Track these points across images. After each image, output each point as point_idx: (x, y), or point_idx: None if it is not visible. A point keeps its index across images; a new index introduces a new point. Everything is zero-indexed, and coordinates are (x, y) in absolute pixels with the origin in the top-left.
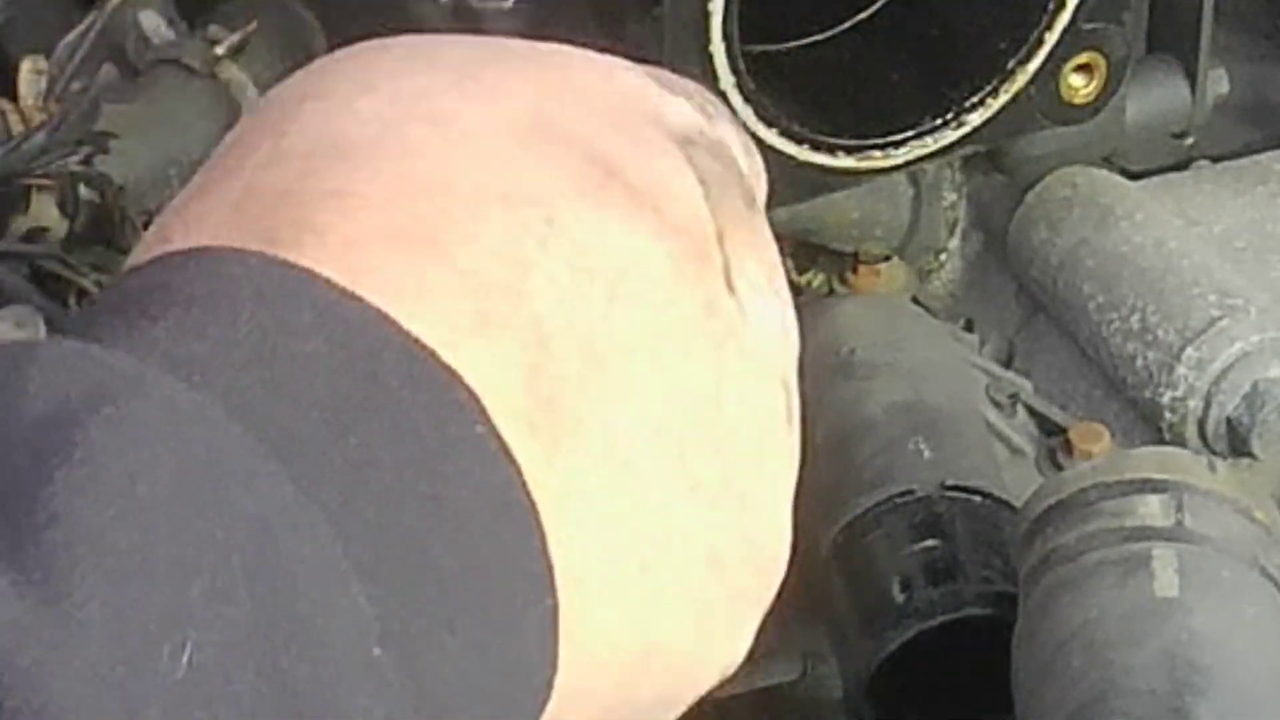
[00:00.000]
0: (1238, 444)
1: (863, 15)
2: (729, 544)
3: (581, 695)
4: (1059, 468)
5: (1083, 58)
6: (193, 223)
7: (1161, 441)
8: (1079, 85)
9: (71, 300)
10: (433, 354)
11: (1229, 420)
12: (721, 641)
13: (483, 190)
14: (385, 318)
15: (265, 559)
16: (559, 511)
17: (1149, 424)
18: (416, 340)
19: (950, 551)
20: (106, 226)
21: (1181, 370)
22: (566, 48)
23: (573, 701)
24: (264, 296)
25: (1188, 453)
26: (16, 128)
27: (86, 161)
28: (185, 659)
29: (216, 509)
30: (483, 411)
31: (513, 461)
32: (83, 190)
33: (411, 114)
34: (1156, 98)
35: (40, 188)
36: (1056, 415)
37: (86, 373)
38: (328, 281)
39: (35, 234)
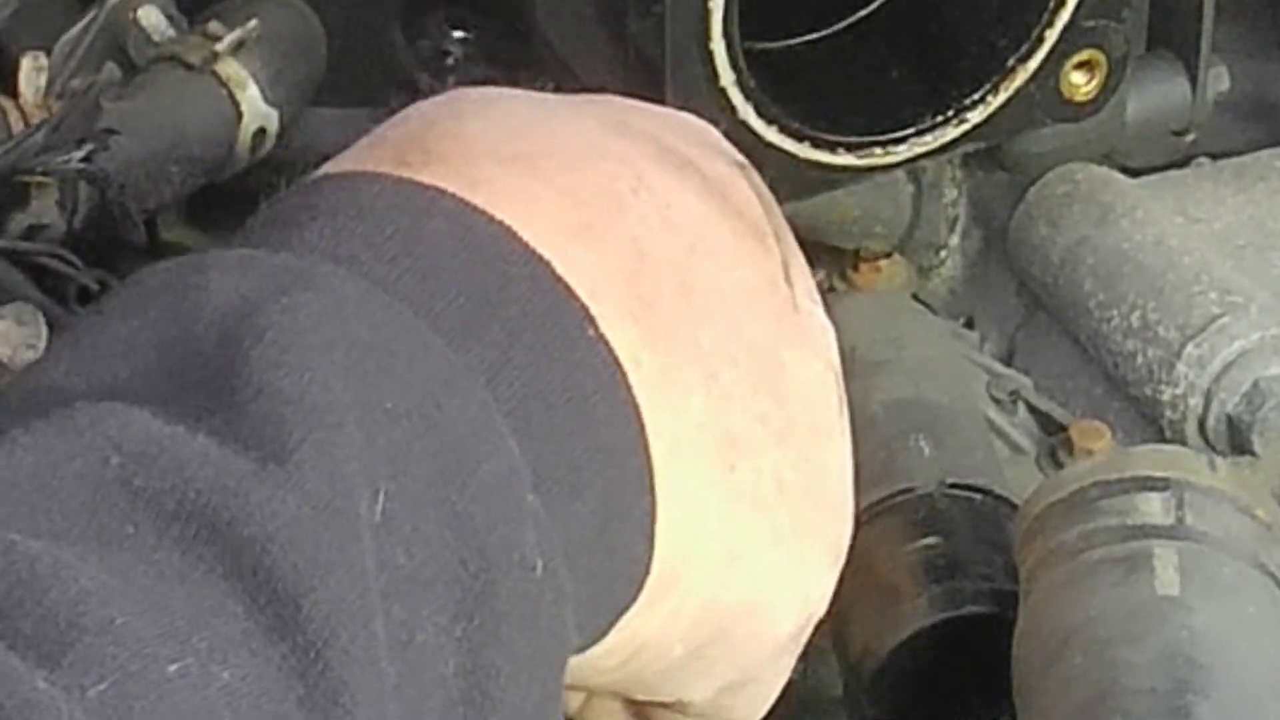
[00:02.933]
0: (1238, 441)
1: (863, 13)
2: (793, 477)
3: (676, 584)
4: (1060, 465)
5: (1083, 55)
6: (331, 164)
7: (1162, 439)
8: (1079, 83)
9: (72, 297)
10: (549, 265)
11: (1229, 418)
12: (795, 570)
13: (580, 147)
14: (508, 229)
15: (434, 419)
16: (658, 394)
17: (1149, 422)
18: (535, 251)
19: (951, 549)
20: (106, 223)
21: (1182, 368)
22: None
23: (670, 590)
24: (399, 207)
25: (1188, 451)
26: (16, 125)
27: (88, 159)
28: (379, 506)
29: (389, 377)
30: (593, 320)
31: (619, 366)
32: (82, 187)
33: (517, 100)
34: (1157, 95)
35: (40, 184)
36: (1057, 413)
37: (260, 271)
38: (454, 196)
39: (35, 231)
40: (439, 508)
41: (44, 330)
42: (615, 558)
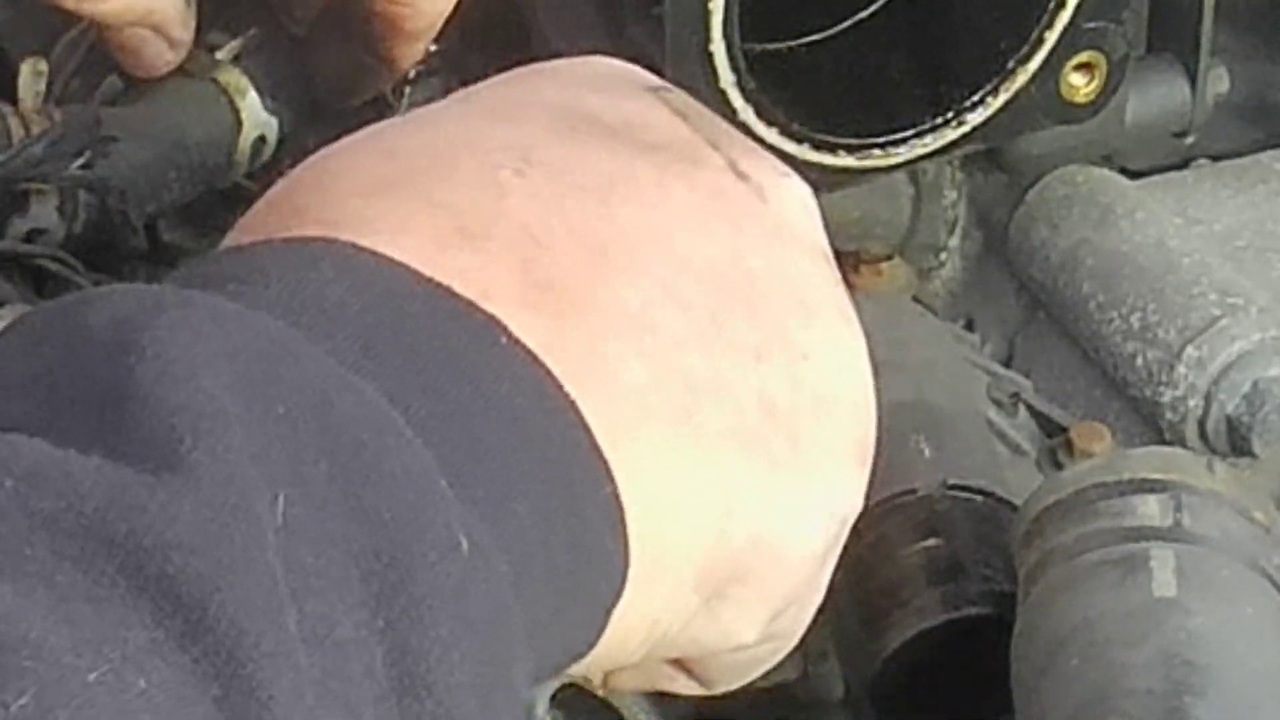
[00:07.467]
0: (1238, 443)
1: (863, 14)
2: (785, 391)
3: (676, 548)
4: (1060, 467)
5: (1083, 56)
6: (221, 246)
7: (1162, 440)
8: (1079, 84)
9: None
10: (448, 289)
11: (1229, 419)
12: (805, 489)
13: (452, 146)
14: (392, 261)
15: (328, 421)
16: (584, 375)
17: (1149, 423)
18: (431, 279)
19: (951, 551)
20: (105, 229)
21: (1181, 369)
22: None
23: (670, 555)
24: (283, 262)
25: (1187, 453)
26: (16, 130)
27: (87, 166)
28: (280, 510)
29: (276, 385)
30: (505, 329)
31: (541, 365)
32: (82, 193)
33: (388, 126)
34: (1157, 97)
35: (39, 190)
36: (1057, 414)
37: (141, 296)
38: (338, 242)
39: (34, 235)
40: (342, 504)
41: None
42: (580, 555)
